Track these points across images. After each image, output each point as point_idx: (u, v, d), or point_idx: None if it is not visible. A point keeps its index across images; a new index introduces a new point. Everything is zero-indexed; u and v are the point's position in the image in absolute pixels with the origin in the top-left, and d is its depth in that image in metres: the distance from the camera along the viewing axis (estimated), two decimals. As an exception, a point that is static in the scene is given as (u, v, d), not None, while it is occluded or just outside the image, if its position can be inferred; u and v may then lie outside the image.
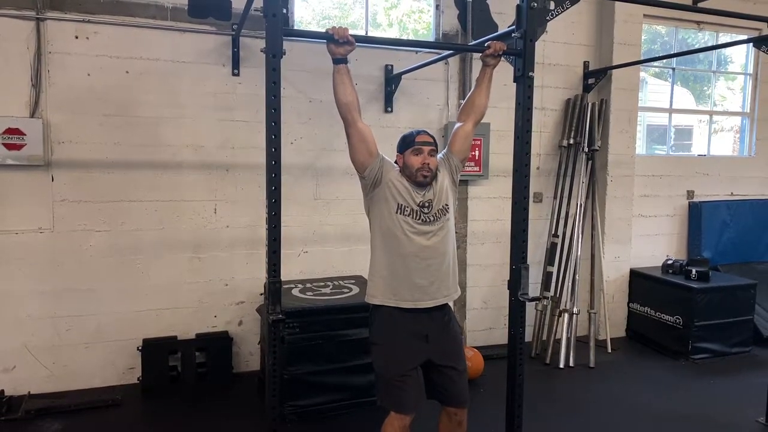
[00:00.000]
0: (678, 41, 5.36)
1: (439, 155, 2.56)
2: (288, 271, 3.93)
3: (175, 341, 3.78)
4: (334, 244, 4.17)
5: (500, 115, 4.35)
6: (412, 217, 2.36)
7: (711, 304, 4.45)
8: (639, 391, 3.86)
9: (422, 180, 2.38)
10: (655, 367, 4.34)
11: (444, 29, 4.32)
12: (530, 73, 2.49)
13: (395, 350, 2.36)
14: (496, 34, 2.60)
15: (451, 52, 3.92)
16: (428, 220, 2.38)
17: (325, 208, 4.13)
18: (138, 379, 3.68)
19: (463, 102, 2.65)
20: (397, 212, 2.36)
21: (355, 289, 3.70)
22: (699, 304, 4.42)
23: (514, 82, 2.56)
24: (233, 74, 3.81)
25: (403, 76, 4.07)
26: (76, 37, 3.52)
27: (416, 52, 4.26)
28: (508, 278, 2.62)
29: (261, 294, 3.92)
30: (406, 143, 2.45)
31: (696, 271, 4.57)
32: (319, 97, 3.99)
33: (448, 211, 2.45)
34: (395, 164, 2.47)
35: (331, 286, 3.77)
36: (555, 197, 4.67)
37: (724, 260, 5.21)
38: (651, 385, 3.99)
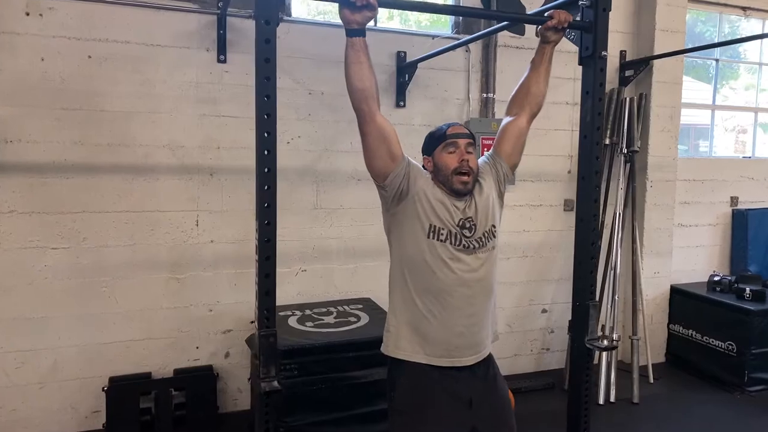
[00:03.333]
0: (713, 32, 4.79)
1: (482, 159, 1.97)
2: (283, 293, 3.31)
3: (148, 379, 3.16)
4: (337, 260, 3.57)
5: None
6: (451, 242, 1.77)
7: (768, 328, 3.89)
8: (697, 436, 3.29)
9: (461, 187, 1.79)
10: (708, 401, 3.77)
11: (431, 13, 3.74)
12: (603, 53, 1.91)
13: (428, 424, 1.76)
14: (556, 2, 2.01)
15: (472, 37, 3.32)
16: (471, 246, 1.79)
17: (327, 218, 3.53)
18: (103, 426, 3.06)
19: (515, 90, 2.05)
20: (429, 236, 1.77)
21: (364, 318, 3.11)
22: (756, 329, 3.85)
23: (579, 64, 1.98)
24: (219, 61, 3.20)
25: (418, 65, 3.47)
26: (27, 14, 2.89)
27: (432, 37, 3.67)
28: (569, 318, 2.04)
29: (251, 321, 3.32)
30: (435, 139, 1.88)
31: (750, 290, 4.01)
32: (321, 89, 3.39)
33: (495, 235, 1.86)
34: (424, 168, 1.88)
35: (335, 313, 3.17)
36: (589, 205, 4.08)
37: (771, 275, 4.65)
38: (708, 425, 3.42)
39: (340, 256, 3.57)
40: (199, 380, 3.24)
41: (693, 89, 4.95)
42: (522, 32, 3.81)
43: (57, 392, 3.08)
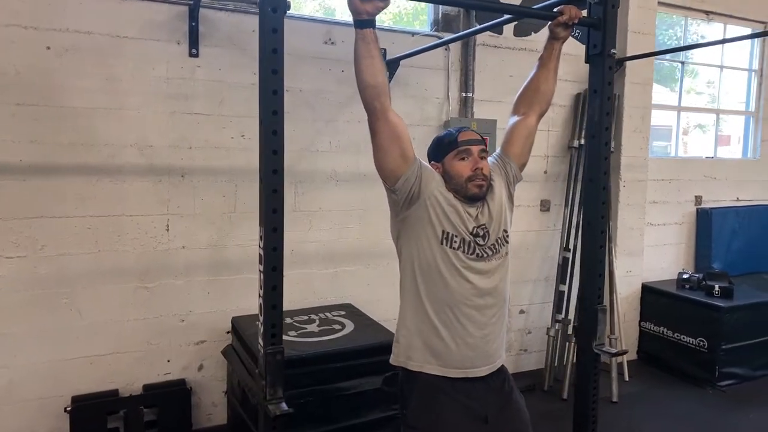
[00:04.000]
0: (680, 36, 4.92)
1: (491, 160, 1.89)
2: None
3: (115, 397, 2.93)
4: (317, 265, 3.43)
5: (506, 111, 3.72)
6: (463, 251, 1.68)
7: (738, 324, 3.99)
8: (679, 434, 3.34)
9: (477, 191, 1.71)
10: (683, 398, 3.83)
11: (444, 8, 3.66)
12: (612, 51, 1.86)
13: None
14: (563, -3, 1.95)
15: (456, 35, 3.24)
16: (484, 254, 1.71)
17: (306, 221, 3.38)
18: (66, 450, 2.83)
19: (521, 88, 1.97)
20: (443, 242, 1.67)
21: (349, 325, 2.98)
22: (726, 325, 3.95)
23: (587, 62, 1.92)
24: (191, 55, 2.99)
25: (400, 63, 3.37)
26: (-25, 0, 2.63)
27: (412, 34, 3.58)
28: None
29: (227, 332, 3.15)
30: (445, 145, 1.78)
31: (719, 287, 4.11)
32: (298, 86, 3.24)
33: (507, 240, 1.78)
34: (435, 171, 1.78)
35: (317, 321, 3.02)
36: (565, 205, 4.10)
37: (734, 271, 4.76)
38: (687, 424, 3.47)
39: (319, 261, 3.42)
40: (171, 396, 3.04)
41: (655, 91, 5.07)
42: (500, 31, 3.78)
43: (13, 415, 2.81)
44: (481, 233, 1.71)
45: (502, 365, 1.82)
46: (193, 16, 2.95)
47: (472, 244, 1.69)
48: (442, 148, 1.79)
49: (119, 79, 2.87)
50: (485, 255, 1.71)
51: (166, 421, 2.99)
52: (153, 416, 2.97)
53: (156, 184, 3.01)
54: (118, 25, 2.85)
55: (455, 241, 1.68)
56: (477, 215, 1.73)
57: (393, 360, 1.78)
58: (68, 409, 2.82)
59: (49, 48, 2.74)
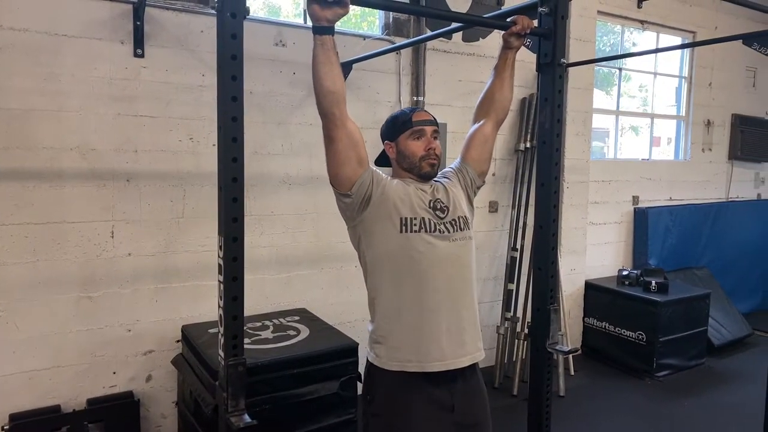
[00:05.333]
0: (614, 42, 5.16)
1: (449, 168, 1.93)
2: (212, 308, 3.09)
3: (57, 413, 2.79)
4: (269, 270, 3.38)
5: (456, 115, 3.80)
6: (425, 230, 1.70)
7: (673, 317, 4.23)
8: (623, 425, 3.49)
9: (429, 169, 1.79)
10: (625, 389, 4.02)
11: (395, 13, 3.68)
12: (562, 60, 1.93)
13: (409, 428, 1.68)
14: (515, 6, 2.00)
15: (410, 41, 3.28)
16: (445, 229, 1.74)
17: (257, 226, 3.32)
18: (4, 471, 2.67)
19: (479, 99, 2.02)
20: (402, 230, 1.69)
21: (304, 330, 2.95)
22: (663, 319, 4.17)
23: (538, 71, 1.98)
24: (136, 55, 2.88)
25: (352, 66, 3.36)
26: None
27: (364, 38, 3.59)
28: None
29: (177, 341, 3.06)
30: (399, 125, 1.82)
31: (655, 283, 4.33)
32: (249, 88, 3.15)
33: (469, 227, 1.82)
34: (385, 153, 1.86)
35: (271, 327, 2.98)
36: (513, 206, 4.21)
37: (668, 267, 5.05)
38: (629, 414, 3.64)
39: (272, 266, 3.37)
40: (118, 409, 2.92)
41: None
42: (450, 37, 3.84)
43: (-57, 437, 2.64)
44: (440, 206, 1.75)
45: (476, 363, 1.83)
46: (138, 15, 2.84)
47: (432, 221, 1.71)
48: (396, 128, 1.82)
49: (58, 79, 2.73)
50: (447, 231, 1.72)
51: (112, 435, 2.88)
52: (99, 431, 2.84)
53: (99, 189, 2.88)
54: (57, 23, 2.71)
55: (415, 223, 1.69)
56: (432, 191, 1.79)
57: (370, 357, 1.77)
58: (6, 428, 2.66)
59: (-20, 45, 2.58)
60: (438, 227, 1.73)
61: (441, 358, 1.70)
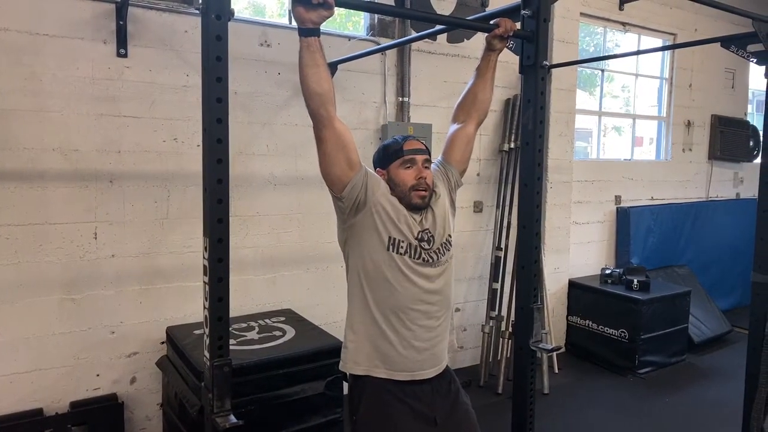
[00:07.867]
0: (597, 43, 5.23)
1: (433, 166, 1.94)
2: (198, 309, 3.08)
3: (40, 417, 2.76)
4: (255, 271, 3.37)
5: (441, 115, 3.83)
6: (410, 256, 1.72)
7: (654, 315, 4.29)
8: (606, 421, 3.54)
9: (419, 201, 1.76)
10: (608, 386, 4.08)
11: (379, 15, 3.70)
12: (544, 62, 1.95)
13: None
14: (498, 9, 2.03)
15: (396, 42, 3.30)
16: (429, 259, 1.76)
17: (242, 227, 3.31)
18: (-15, 476, 2.64)
19: (460, 99, 2.04)
20: (389, 249, 1.71)
21: (290, 331, 2.95)
22: (644, 316, 4.23)
23: (521, 73, 2.00)
24: (119, 55, 2.86)
25: (338, 67, 3.37)
26: None
27: (349, 39, 3.60)
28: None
29: (162, 342, 3.04)
30: (390, 153, 1.82)
31: (637, 281, 4.40)
32: (233, 88, 3.14)
33: (451, 246, 1.84)
34: (381, 178, 1.82)
35: (257, 328, 2.98)
36: (497, 206, 4.24)
37: (650, 265, 5.13)
38: (612, 410, 3.70)
39: (257, 267, 3.37)
40: (102, 412, 2.90)
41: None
42: (435, 38, 3.86)
43: None
44: (426, 237, 1.76)
45: (447, 366, 1.87)
46: (121, 15, 2.82)
47: (418, 249, 1.74)
48: (387, 156, 1.82)
49: (39, 79, 2.70)
50: (431, 260, 1.76)
51: (96, 438, 2.86)
52: (82, 435, 2.82)
53: (82, 190, 2.85)
54: (38, 22, 2.68)
55: (402, 247, 1.71)
56: (421, 220, 1.78)
57: (341, 366, 1.80)
58: (-14, 432, 2.63)
59: (-42, 44, 2.55)
60: (422, 255, 1.76)
61: (407, 369, 1.75)
